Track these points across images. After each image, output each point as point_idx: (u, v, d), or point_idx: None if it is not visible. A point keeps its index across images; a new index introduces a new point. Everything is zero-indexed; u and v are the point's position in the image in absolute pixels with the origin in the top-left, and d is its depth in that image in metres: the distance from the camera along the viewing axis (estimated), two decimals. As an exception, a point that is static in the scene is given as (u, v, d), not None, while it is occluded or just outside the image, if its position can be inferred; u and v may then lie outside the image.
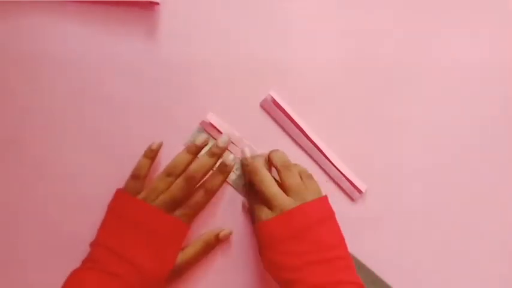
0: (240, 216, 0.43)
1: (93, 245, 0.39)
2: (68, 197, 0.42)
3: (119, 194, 0.40)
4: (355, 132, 0.45)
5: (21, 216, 0.42)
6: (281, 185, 0.39)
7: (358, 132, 0.45)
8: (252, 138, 0.44)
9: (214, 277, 0.43)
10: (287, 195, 0.38)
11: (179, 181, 0.39)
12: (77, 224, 0.42)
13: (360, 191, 0.44)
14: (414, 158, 0.45)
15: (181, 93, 0.43)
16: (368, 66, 0.45)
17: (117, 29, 0.43)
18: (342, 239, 0.38)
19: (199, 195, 0.40)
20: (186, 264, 0.40)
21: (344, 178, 0.44)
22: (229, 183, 0.43)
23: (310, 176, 0.41)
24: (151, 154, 0.41)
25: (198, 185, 0.40)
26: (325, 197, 0.39)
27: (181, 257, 0.39)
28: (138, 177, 0.40)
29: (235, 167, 0.43)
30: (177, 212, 0.39)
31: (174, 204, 0.39)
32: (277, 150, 0.41)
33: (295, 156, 0.44)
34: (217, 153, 0.41)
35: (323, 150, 0.44)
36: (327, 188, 0.44)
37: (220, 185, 0.41)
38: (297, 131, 0.44)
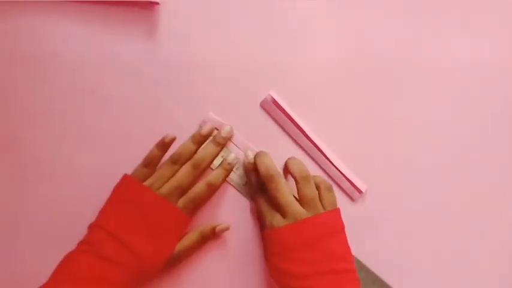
0: (238, 215, 0.43)
1: (92, 226, 0.38)
2: (68, 197, 0.42)
3: (126, 178, 0.40)
4: (355, 132, 0.45)
5: (21, 216, 0.42)
6: (298, 194, 0.39)
7: (358, 132, 0.45)
8: (252, 138, 0.44)
9: (211, 273, 0.43)
10: (302, 205, 0.38)
11: (186, 167, 0.40)
12: (76, 223, 0.42)
13: (360, 191, 0.44)
14: (414, 158, 0.45)
15: (181, 93, 0.43)
16: (368, 66, 0.45)
17: (117, 29, 0.43)
18: (350, 252, 0.38)
19: (201, 189, 0.41)
20: (180, 255, 0.40)
21: (344, 178, 0.44)
22: (230, 183, 0.43)
23: (329, 188, 0.40)
24: (164, 147, 0.41)
25: (200, 180, 0.41)
26: (338, 210, 0.40)
27: (178, 247, 0.40)
28: (148, 165, 0.40)
29: (235, 167, 0.43)
30: (180, 203, 0.40)
31: (179, 191, 0.40)
32: (295, 158, 0.41)
33: (295, 156, 0.44)
34: (221, 143, 0.42)
35: (323, 150, 0.44)
36: (327, 188, 0.44)
37: (223, 181, 0.42)
38: (297, 131, 0.44)
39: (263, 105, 0.44)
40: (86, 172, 0.43)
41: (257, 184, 0.42)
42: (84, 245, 0.37)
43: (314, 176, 0.41)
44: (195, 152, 0.41)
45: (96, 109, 0.43)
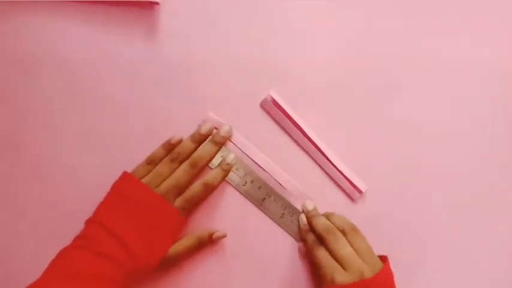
0: (238, 215, 0.43)
1: (89, 221, 0.38)
2: (67, 196, 0.42)
3: (125, 175, 0.40)
4: (355, 132, 0.45)
5: (21, 216, 0.42)
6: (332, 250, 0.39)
7: (358, 132, 0.45)
8: (252, 138, 0.44)
9: (208, 275, 0.43)
10: (341, 264, 0.37)
11: (184, 166, 0.40)
12: (76, 223, 0.42)
13: (360, 191, 0.44)
14: (414, 158, 0.45)
15: (181, 93, 0.43)
16: (368, 66, 0.45)
17: (117, 29, 0.43)
18: None
19: (198, 188, 0.41)
20: (175, 257, 0.40)
21: (344, 178, 0.44)
22: (230, 183, 0.43)
23: (354, 229, 0.40)
24: (169, 147, 0.41)
25: (198, 181, 0.41)
26: (387, 258, 0.39)
27: (173, 249, 0.39)
28: (150, 163, 0.41)
29: (235, 167, 0.43)
30: (177, 203, 0.40)
31: (177, 190, 0.40)
32: (316, 214, 0.42)
33: (296, 156, 0.44)
34: (220, 142, 0.42)
35: (323, 150, 0.44)
36: (327, 188, 0.44)
37: (220, 181, 0.42)
38: (297, 131, 0.44)
39: (263, 105, 0.44)
40: (85, 172, 0.43)
41: (314, 238, 0.41)
42: (80, 240, 0.37)
43: (333, 216, 0.41)
44: (194, 151, 0.42)
45: (96, 109, 0.43)
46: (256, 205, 0.44)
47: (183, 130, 0.43)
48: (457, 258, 0.45)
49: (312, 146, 0.44)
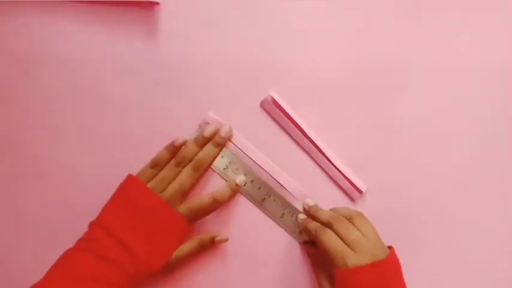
0: (238, 216, 0.43)
1: (93, 224, 0.38)
2: (67, 196, 0.42)
3: (130, 178, 0.40)
4: (355, 132, 0.45)
5: (21, 216, 0.42)
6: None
7: (358, 132, 0.45)
8: (252, 138, 0.44)
9: (214, 276, 0.43)
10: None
11: (187, 169, 0.41)
12: (76, 223, 0.42)
13: (360, 191, 0.44)
14: (414, 158, 0.45)
15: (181, 93, 0.43)
16: (368, 67, 0.45)
17: (117, 29, 0.43)
18: None
19: (205, 201, 0.40)
20: (178, 261, 0.40)
21: (344, 178, 0.44)
22: (243, 194, 0.44)
23: (361, 215, 0.40)
24: (173, 149, 0.41)
25: (207, 193, 0.41)
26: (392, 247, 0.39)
27: (176, 253, 0.40)
28: (155, 166, 0.41)
29: (235, 167, 0.43)
30: (182, 209, 0.40)
31: (181, 194, 0.40)
32: (316, 207, 0.42)
33: (296, 156, 0.44)
34: (221, 143, 0.42)
35: (323, 150, 0.44)
36: (327, 188, 0.44)
37: (228, 199, 0.42)
38: (297, 131, 0.44)
39: (263, 105, 0.44)
40: (85, 172, 0.43)
41: (317, 224, 0.40)
42: (84, 243, 0.37)
43: (336, 208, 0.41)
44: (198, 153, 0.42)
45: (96, 109, 0.43)
46: (256, 205, 0.44)
47: (183, 130, 0.43)
48: (457, 258, 0.45)
49: (312, 146, 0.44)
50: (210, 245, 0.42)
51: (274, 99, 0.43)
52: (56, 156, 0.43)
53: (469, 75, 0.45)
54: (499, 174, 0.46)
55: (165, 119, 0.43)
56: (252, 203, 0.44)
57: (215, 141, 0.42)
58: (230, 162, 0.43)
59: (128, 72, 0.43)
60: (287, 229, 0.44)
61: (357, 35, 0.45)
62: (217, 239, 0.41)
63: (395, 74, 0.45)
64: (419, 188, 0.45)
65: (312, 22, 0.44)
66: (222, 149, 0.43)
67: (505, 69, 0.46)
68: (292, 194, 0.44)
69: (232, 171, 0.43)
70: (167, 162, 0.41)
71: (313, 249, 0.42)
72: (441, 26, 0.45)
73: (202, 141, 0.42)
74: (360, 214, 0.40)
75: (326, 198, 0.44)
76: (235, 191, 0.42)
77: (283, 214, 0.44)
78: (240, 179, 0.42)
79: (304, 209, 0.43)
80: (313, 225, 0.40)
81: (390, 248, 0.39)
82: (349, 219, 0.39)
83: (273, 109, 0.44)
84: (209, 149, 0.42)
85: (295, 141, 0.44)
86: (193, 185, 0.41)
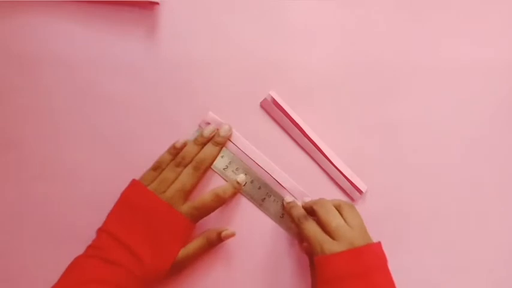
0: (236, 217, 0.43)
1: (99, 230, 0.39)
2: (68, 196, 0.42)
3: (134, 182, 0.40)
4: (355, 132, 0.44)
5: (21, 216, 0.42)
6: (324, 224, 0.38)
7: (358, 132, 0.45)
8: (252, 138, 0.44)
9: (214, 276, 0.43)
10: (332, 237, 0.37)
11: (187, 169, 0.41)
12: (77, 224, 0.42)
13: (360, 191, 0.44)
14: (414, 158, 0.45)
15: (181, 93, 0.43)
16: (368, 67, 0.45)
17: (117, 29, 0.43)
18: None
19: (207, 198, 0.40)
20: (186, 260, 0.40)
21: (344, 178, 0.44)
22: (243, 194, 0.44)
23: (351, 206, 0.39)
24: (174, 151, 0.41)
25: (209, 190, 0.41)
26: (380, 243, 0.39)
27: (182, 252, 0.39)
28: (157, 169, 0.41)
29: (234, 167, 0.43)
30: (185, 209, 0.40)
31: (183, 194, 0.40)
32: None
33: (295, 156, 0.44)
34: (221, 143, 0.42)
35: (323, 150, 0.44)
36: (327, 188, 0.44)
37: (231, 196, 0.42)
38: (297, 131, 0.44)
39: (263, 105, 0.44)
40: (85, 171, 0.43)
41: (301, 212, 0.40)
42: (92, 249, 0.38)
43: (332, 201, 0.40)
44: (199, 153, 0.42)
45: (96, 109, 0.43)
46: (256, 205, 0.44)
47: (183, 130, 0.43)
48: (457, 257, 0.45)
49: (312, 146, 0.44)
50: (217, 242, 0.41)
51: (274, 99, 0.43)
52: (56, 156, 0.43)
53: (470, 75, 0.45)
54: (499, 174, 0.46)
55: (165, 118, 0.43)
56: (252, 203, 0.44)
57: (215, 140, 0.42)
58: (230, 162, 0.43)
59: (127, 72, 0.43)
60: (287, 229, 0.44)
61: (357, 35, 0.45)
62: (223, 234, 0.41)
63: (396, 74, 0.45)
64: (419, 188, 0.45)
65: (312, 22, 0.44)
66: (222, 148, 0.43)
67: (505, 69, 0.46)
68: (292, 194, 0.44)
69: (232, 171, 0.43)
70: (168, 164, 0.41)
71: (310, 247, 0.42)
72: (441, 25, 0.45)
73: (202, 141, 0.42)
74: (349, 204, 0.39)
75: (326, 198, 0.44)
76: (238, 189, 0.42)
77: (283, 214, 0.44)
78: (241, 177, 0.43)
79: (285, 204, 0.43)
80: (296, 212, 0.40)
81: (378, 243, 0.38)
82: (337, 207, 0.39)
83: (273, 109, 0.44)
84: (209, 148, 0.42)
85: (295, 141, 0.44)
86: (195, 184, 0.41)
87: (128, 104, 0.43)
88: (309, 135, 0.44)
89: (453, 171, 0.45)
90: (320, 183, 0.44)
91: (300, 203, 0.43)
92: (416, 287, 0.44)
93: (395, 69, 0.45)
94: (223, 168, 0.43)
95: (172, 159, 0.41)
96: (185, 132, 0.43)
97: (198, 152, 0.42)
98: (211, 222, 0.43)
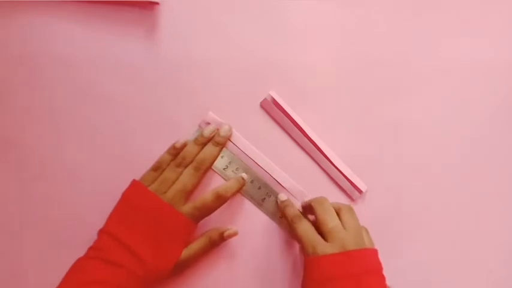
0: (236, 217, 0.43)
1: (101, 231, 0.39)
2: (68, 196, 0.42)
3: (134, 183, 0.40)
4: (355, 132, 0.45)
5: (21, 216, 0.42)
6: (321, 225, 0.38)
7: (358, 132, 0.45)
8: (252, 138, 0.44)
9: (216, 275, 0.43)
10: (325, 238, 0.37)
11: (188, 170, 0.41)
12: (77, 224, 0.42)
13: (360, 191, 0.44)
14: (414, 158, 0.45)
15: (181, 93, 0.43)
16: (368, 67, 0.45)
17: (117, 29, 0.43)
18: None
19: (209, 198, 0.40)
20: (188, 260, 0.40)
21: (344, 178, 0.44)
22: (242, 194, 0.44)
23: (350, 209, 0.39)
24: (174, 151, 0.41)
25: (210, 190, 0.41)
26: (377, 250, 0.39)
27: (185, 252, 0.39)
28: (157, 169, 0.41)
29: (234, 167, 0.43)
30: (187, 209, 0.39)
31: (184, 194, 0.40)
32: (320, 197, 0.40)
33: (295, 156, 0.44)
34: (221, 143, 0.42)
35: (323, 150, 0.44)
36: (327, 188, 0.44)
37: (232, 194, 0.41)
38: (297, 131, 0.44)
39: (263, 105, 0.44)
40: (85, 171, 0.43)
41: (295, 212, 0.40)
42: (93, 251, 0.38)
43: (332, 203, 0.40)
44: (199, 153, 0.42)
45: (96, 109, 0.43)
46: (256, 205, 0.44)
47: (183, 130, 0.43)
48: (457, 258, 0.45)
49: (312, 146, 0.44)
50: (219, 241, 0.41)
51: (274, 99, 0.43)
52: (56, 156, 0.43)
53: (470, 75, 0.45)
54: (499, 174, 0.46)
55: (165, 118, 0.43)
56: (252, 203, 0.44)
57: (215, 140, 0.42)
58: (230, 162, 0.43)
59: (127, 72, 0.43)
60: (286, 228, 0.44)
61: (357, 35, 0.45)
62: (226, 233, 0.41)
63: (396, 74, 0.45)
64: (419, 188, 0.45)
65: (312, 22, 0.44)
66: (222, 148, 0.43)
67: (505, 69, 0.46)
68: (292, 194, 0.44)
69: (232, 171, 0.43)
70: (169, 165, 0.41)
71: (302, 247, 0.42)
72: (441, 25, 0.45)
73: (202, 141, 0.42)
74: (349, 207, 0.39)
75: (326, 198, 0.44)
76: (242, 184, 0.42)
77: (283, 214, 0.44)
78: (244, 175, 0.42)
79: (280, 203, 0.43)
80: (290, 211, 0.40)
81: (373, 249, 0.38)
82: (337, 210, 0.38)
83: (273, 109, 0.44)
84: (209, 148, 0.42)
85: (295, 141, 0.44)
86: (196, 185, 0.41)
87: (128, 104, 0.43)
88: (309, 135, 0.44)
89: (453, 171, 0.45)
90: (320, 183, 0.44)
91: (299, 203, 0.43)
92: (416, 287, 0.44)
93: (395, 69, 0.45)
94: (223, 168, 0.43)
95: (172, 160, 0.41)
96: (185, 132, 0.43)
97: (199, 152, 0.42)
98: (212, 222, 0.43)
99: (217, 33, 0.44)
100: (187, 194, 0.40)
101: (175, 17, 0.43)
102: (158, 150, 0.42)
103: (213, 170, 0.43)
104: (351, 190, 0.44)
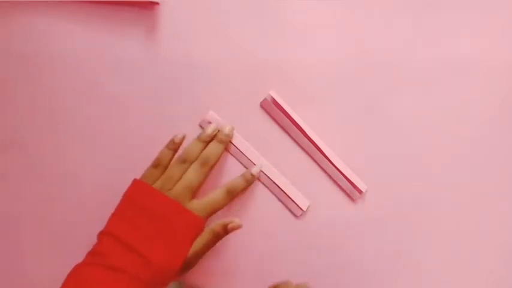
0: (236, 216, 0.43)
1: (101, 234, 0.38)
2: (68, 197, 0.43)
3: (136, 182, 0.39)
4: (355, 132, 0.45)
5: (21, 216, 0.42)
6: None
7: (358, 132, 0.45)
8: (252, 138, 0.44)
9: (221, 271, 0.43)
10: None
11: (194, 166, 0.40)
12: (77, 224, 0.42)
13: (360, 191, 0.44)
14: (414, 158, 0.45)
15: (181, 93, 0.43)
16: (368, 66, 0.45)
17: (117, 29, 0.43)
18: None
19: (218, 195, 0.40)
20: (196, 258, 0.39)
21: (344, 178, 0.44)
22: None
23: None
24: (174, 146, 0.41)
25: (220, 186, 0.41)
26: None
27: (192, 250, 0.38)
28: (158, 166, 0.40)
29: None
30: (195, 205, 0.39)
31: (191, 191, 0.39)
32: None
33: (295, 156, 0.44)
34: (225, 140, 0.42)
35: (323, 150, 0.44)
36: (327, 188, 0.44)
37: (242, 191, 0.41)
38: (297, 131, 0.44)
39: (263, 105, 0.44)
40: (86, 172, 0.43)
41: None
42: (91, 257, 0.37)
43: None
44: (203, 150, 0.41)
45: (96, 108, 0.43)
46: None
47: (183, 129, 0.43)
48: (457, 258, 0.45)
49: (312, 146, 0.44)
50: (223, 234, 0.39)
51: (274, 99, 0.43)
52: (56, 156, 0.43)
53: (470, 74, 0.45)
54: (499, 174, 0.46)
55: (165, 118, 0.43)
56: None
57: (219, 138, 0.42)
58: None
59: (128, 72, 0.43)
60: None
61: (357, 35, 0.45)
62: (230, 226, 0.39)
63: (396, 74, 0.45)
64: (419, 188, 0.45)
65: (312, 22, 0.44)
66: (226, 146, 0.42)
67: (505, 69, 0.46)
68: (291, 199, 0.44)
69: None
70: (169, 161, 0.41)
71: None
72: (442, 24, 0.45)
73: (206, 138, 0.42)
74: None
75: (326, 198, 0.44)
76: (250, 181, 0.42)
77: (283, 214, 0.44)
78: (256, 169, 0.42)
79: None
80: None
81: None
82: None
83: (273, 109, 0.44)
84: (214, 145, 0.42)
85: (295, 141, 0.44)
86: (202, 182, 0.40)
87: (128, 103, 0.43)
88: (309, 135, 0.44)
89: (453, 171, 0.45)
90: (320, 183, 0.44)
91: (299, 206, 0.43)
92: (415, 287, 0.44)
93: (395, 69, 0.45)
94: None
95: (172, 155, 0.41)
96: (185, 132, 0.43)
97: (203, 149, 0.41)
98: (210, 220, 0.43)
99: (217, 33, 0.44)
100: (194, 190, 0.40)
101: (175, 17, 0.43)
102: (158, 150, 0.42)
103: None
104: (351, 190, 0.44)
